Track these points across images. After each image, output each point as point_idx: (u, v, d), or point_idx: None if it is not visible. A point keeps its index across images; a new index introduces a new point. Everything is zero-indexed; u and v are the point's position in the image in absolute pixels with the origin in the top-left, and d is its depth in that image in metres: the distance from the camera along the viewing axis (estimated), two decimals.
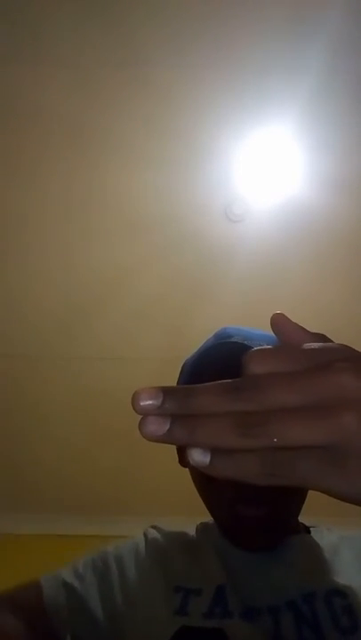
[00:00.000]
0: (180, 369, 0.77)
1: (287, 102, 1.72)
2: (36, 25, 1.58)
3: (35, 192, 1.95)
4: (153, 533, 0.75)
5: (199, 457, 0.28)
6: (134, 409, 0.28)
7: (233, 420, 0.27)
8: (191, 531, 0.77)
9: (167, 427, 0.28)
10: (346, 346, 0.31)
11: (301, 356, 0.30)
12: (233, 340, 0.69)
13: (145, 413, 0.28)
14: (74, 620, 0.66)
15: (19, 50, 1.63)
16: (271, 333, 0.35)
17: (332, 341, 0.33)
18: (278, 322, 0.34)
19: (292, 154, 1.84)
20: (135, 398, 0.28)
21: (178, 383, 0.74)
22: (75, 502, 2.48)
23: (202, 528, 0.76)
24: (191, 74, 1.67)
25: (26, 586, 0.69)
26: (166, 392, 0.28)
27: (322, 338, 0.33)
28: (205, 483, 0.69)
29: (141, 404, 0.28)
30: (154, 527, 0.77)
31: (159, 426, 0.28)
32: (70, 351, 2.27)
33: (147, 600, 0.65)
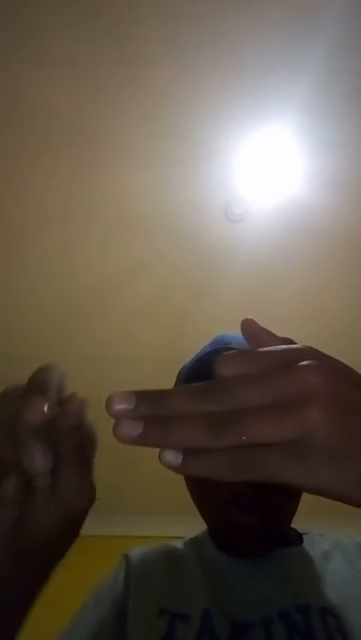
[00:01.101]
0: (179, 369, 0.77)
1: (287, 102, 1.72)
2: (35, 24, 1.57)
3: (34, 192, 1.95)
4: (135, 555, 0.74)
5: (171, 457, 0.29)
6: (108, 413, 0.29)
7: (203, 421, 0.28)
8: (179, 544, 0.76)
9: (140, 429, 0.28)
10: (310, 347, 0.32)
11: (267, 358, 0.31)
12: (230, 347, 0.68)
13: (119, 417, 0.29)
14: None
15: (18, 49, 1.62)
16: None
17: (297, 344, 0.34)
18: (247, 327, 0.36)
19: (292, 154, 1.84)
20: (109, 402, 0.29)
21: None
22: None
23: (191, 543, 0.75)
24: (191, 74, 1.67)
25: None
26: (139, 396, 0.29)
27: (289, 341, 0.35)
28: (199, 488, 0.69)
29: (115, 407, 0.29)
30: (136, 548, 0.76)
31: (132, 429, 0.28)
32: (70, 351, 2.27)
33: (133, 626, 0.64)
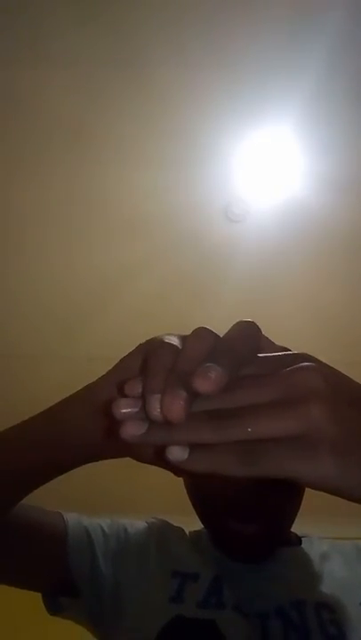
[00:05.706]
0: None
1: (287, 102, 1.72)
2: (35, 25, 1.57)
3: (35, 192, 1.95)
4: (155, 522, 0.77)
5: (178, 453, 0.29)
6: (116, 416, 0.30)
7: (208, 416, 0.29)
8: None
9: (145, 428, 0.29)
10: (306, 353, 0.34)
11: (267, 362, 0.33)
12: None
13: (126, 419, 0.30)
14: (90, 575, 0.66)
15: (19, 50, 1.63)
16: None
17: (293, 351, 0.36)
18: None
19: (292, 154, 1.84)
20: (115, 406, 0.30)
21: None
22: (76, 501, 2.47)
23: (195, 534, 0.77)
24: (191, 74, 1.67)
25: (50, 514, 0.68)
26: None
27: (286, 349, 0.36)
28: (199, 497, 0.71)
29: (122, 410, 0.30)
30: (155, 518, 0.79)
31: (137, 428, 0.29)
32: (70, 351, 2.27)
33: (145, 582, 0.66)
